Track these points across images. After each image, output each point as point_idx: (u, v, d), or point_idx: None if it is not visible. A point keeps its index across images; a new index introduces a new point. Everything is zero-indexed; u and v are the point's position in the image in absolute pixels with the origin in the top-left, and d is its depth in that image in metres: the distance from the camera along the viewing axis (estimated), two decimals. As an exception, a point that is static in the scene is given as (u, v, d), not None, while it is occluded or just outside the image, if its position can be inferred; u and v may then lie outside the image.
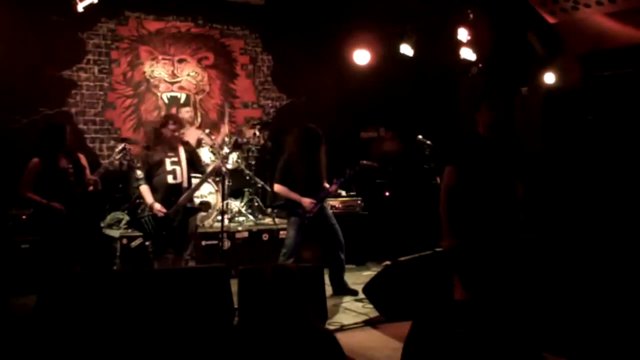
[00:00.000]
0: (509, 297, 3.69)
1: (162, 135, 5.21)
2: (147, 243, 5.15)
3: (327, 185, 5.58)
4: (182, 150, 5.26)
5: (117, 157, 5.20)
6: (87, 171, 5.13)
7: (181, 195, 5.15)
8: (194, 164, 5.36)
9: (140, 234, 5.42)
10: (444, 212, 4.03)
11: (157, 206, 5.05)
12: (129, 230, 6.30)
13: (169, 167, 5.15)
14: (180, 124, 5.32)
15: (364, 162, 5.71)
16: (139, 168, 5.18)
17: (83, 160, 5.14)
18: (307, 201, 5.39)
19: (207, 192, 6.67)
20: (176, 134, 5.20)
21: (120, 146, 5.23)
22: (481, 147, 4.05)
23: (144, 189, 5.11)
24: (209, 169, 5.45)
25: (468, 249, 3.85)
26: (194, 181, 5.35)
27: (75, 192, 4.89)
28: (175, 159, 5.19)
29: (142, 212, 5.23)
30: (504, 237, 3.93)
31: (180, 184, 5.19)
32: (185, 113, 7.52)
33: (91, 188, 5.04)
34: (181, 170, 5.19)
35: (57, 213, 4.72)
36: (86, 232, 4.89)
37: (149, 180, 5.13)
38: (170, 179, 5.15)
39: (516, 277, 3.90)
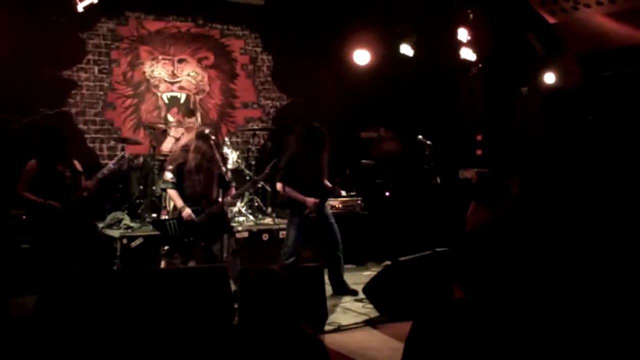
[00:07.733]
0: (507, 297, 3.69)
1: None
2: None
3: (329, 185, 5.54)
4: None
5: (113, 165, 5.21)
6: (83, 176, 5.18)
7: None
8: None
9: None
10: None
11: None
12: (129, 230, 6.30)
13: None
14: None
15: (364, 161, 5.72)
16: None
17: (78, 166, 5.19)
18: (311, 201, 5.37)
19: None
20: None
21: (120, 154, 5.25)
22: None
23: None
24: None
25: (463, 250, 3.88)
26: None
27: (71, 195, 4.93)
28: None
29: None
30: None
31: None
32: (189, 123, 7.16)
33: (85, 194, 5.10)
34: None
35: (52, 214, 4.76)
36: (81, 234, 4.92)
37: None
38: None
39: (514, 277, 3.90)
